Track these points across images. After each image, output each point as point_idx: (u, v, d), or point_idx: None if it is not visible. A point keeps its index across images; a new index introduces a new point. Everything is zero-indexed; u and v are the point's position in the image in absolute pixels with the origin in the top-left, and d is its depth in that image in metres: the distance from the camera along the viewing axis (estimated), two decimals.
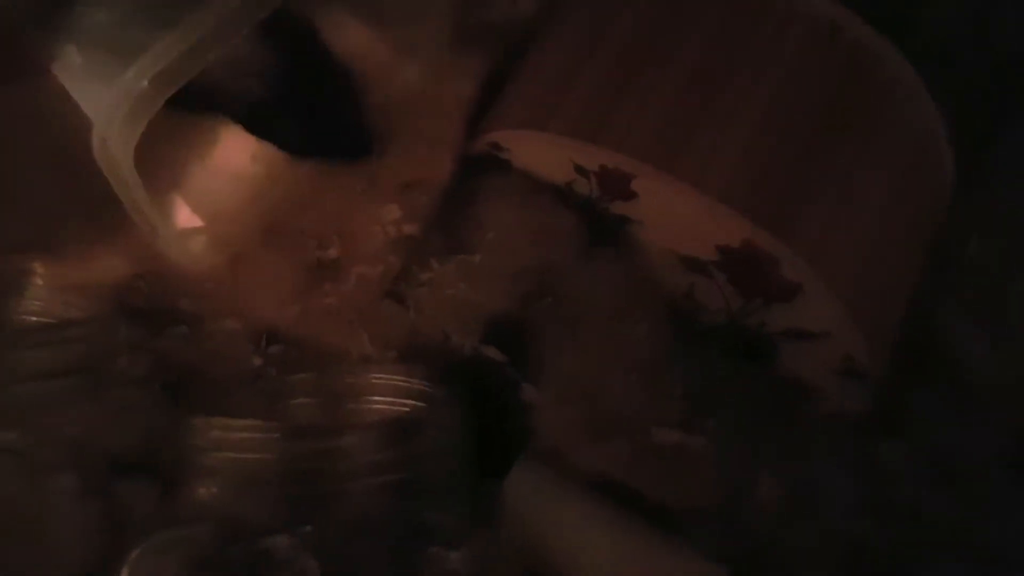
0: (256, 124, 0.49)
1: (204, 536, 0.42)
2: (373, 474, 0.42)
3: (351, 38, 0.51)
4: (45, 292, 0.48)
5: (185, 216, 0.48)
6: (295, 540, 0.42)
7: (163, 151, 0.50)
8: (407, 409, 0.46)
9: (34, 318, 0.48)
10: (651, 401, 0.48)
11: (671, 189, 0.45)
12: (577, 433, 0.48)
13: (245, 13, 0.42)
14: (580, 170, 0.48)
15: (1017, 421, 0.53)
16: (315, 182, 0.50)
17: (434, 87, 0.52)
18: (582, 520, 0.48)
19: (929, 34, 0.57)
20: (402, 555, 0.43)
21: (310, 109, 0.50)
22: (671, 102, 0.46)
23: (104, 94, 0.42)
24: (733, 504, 0.48)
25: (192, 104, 0.47)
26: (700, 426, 0.48)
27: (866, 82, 0.48)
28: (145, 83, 0.42)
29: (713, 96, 0.46)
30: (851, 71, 0.48)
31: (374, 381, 0.48)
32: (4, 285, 0.48)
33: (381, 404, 0.47)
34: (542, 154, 0.49)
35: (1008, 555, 0.50)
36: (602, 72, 0.48)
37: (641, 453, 0.48)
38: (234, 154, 0.50)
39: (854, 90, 0.48)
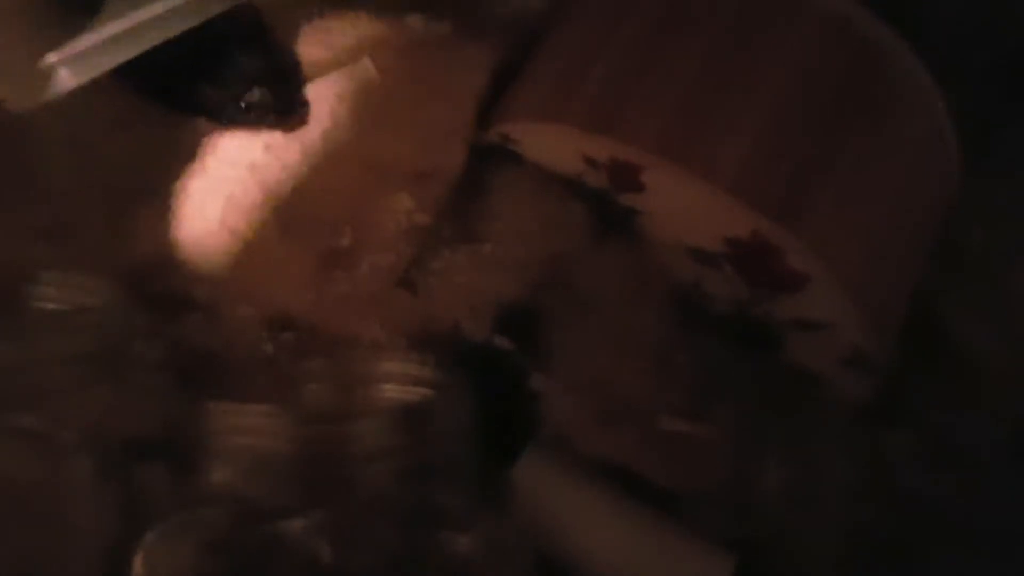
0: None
1: (219, 519, 0.43)
2: (384, 459, 0.43)
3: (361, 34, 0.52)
4: (62, 278, 0.49)
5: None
6: (308, 524, 0.42)
7: (178, 142, 0.51)
8: (418, 396, 0.46)
9: (51, 304, 0.48)
10: (659, 389, 0.49)
11: (681, 181, 0.45)
12: (586, 420, 0.49)
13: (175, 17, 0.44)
14: (590, 162, 0.48)
15: (1020, 409, 0.54)
16: (329, 172, 0.50)
17: (446, 78, 0.52)
18: (591, 505, 0.49)
19: (937, 27, 0.57)
20: (413, 539, 0.44)
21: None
22: (682, 95, 0.46)
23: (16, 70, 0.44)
24: (739, 490, 0.49)
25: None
26: (707, 413, 0.49)
27: (875, 76, 0.49)
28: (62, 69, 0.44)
29: (723, 89, 0.46)
30: (860, 65, 0.48)
31: (385, 368, 0.48)
32: (21, 271, 0.49)
33: (392, 390, 0.47)
34: (553, 146, 0.50)
35: (1010, 541, 0.51)
36: (613, 65, 0.48)
37: (649, 439, 0.48)
38: (247, 145, 0.50)
39: (863, 84, 0.48)
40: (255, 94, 0.50)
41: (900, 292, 0.51)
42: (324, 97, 0.51)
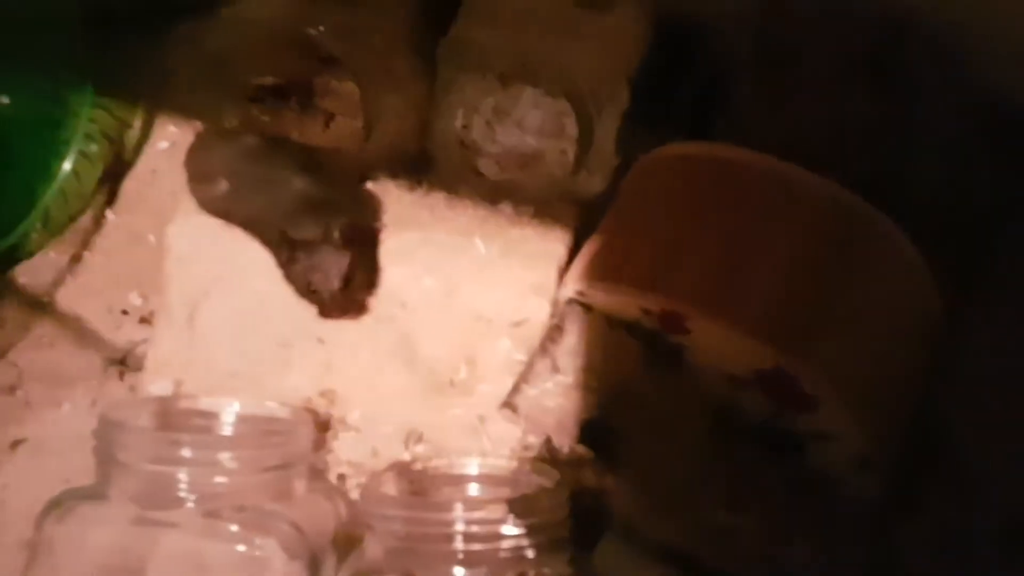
0: None
1: None
2: (505, 539, 0.54)
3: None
4: (250, 407, 0.65)
5: None
6: None
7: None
8: (524, 491, 0.58)
9: (244, 426, 0.64)
10: (706, 487, 0.60)
11: (716, 326, 0.56)
12: (647, 511, 0.59)
13: None
14: (645, 311, 0.60)
15: (1009, 503, 0.61)
16: (449, 323, 0.65)
17: (533, 248, 0.68)
18: None
19: (914, 191, 0.66)
20: None
21: None
22: (714, 261, 0.57)
23: None
24: (771, 571, 0.58)
25: None
26: (745, 507, 0.59)
27: (863, 238, 0.58)
28: None
29: (745, 257, 0.55)
30: (850, 231, 0.57)
31: (494, 471, 0.62)
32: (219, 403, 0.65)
33: (501, 489, 0.61)
34: (615, 300, 0.60)
35: None
36: (660, 237, 0.59)
37: (698, 527, 0.59)
38: (390, 298, 0.66)
39: (854, 244, 0.58)
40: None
41: (900, 406, 0.60)
42: (444, 269, 0.66)
